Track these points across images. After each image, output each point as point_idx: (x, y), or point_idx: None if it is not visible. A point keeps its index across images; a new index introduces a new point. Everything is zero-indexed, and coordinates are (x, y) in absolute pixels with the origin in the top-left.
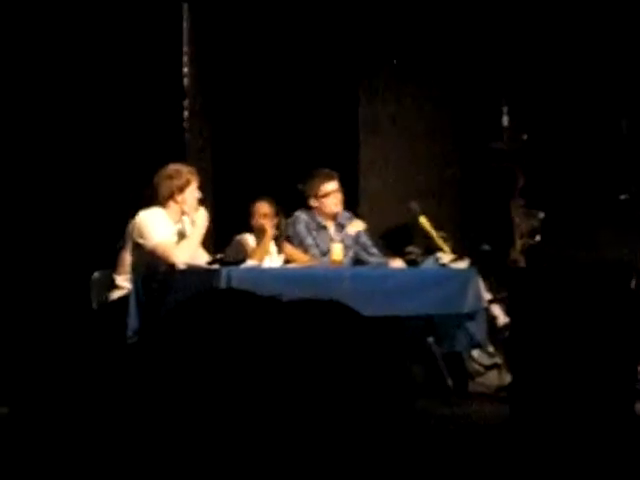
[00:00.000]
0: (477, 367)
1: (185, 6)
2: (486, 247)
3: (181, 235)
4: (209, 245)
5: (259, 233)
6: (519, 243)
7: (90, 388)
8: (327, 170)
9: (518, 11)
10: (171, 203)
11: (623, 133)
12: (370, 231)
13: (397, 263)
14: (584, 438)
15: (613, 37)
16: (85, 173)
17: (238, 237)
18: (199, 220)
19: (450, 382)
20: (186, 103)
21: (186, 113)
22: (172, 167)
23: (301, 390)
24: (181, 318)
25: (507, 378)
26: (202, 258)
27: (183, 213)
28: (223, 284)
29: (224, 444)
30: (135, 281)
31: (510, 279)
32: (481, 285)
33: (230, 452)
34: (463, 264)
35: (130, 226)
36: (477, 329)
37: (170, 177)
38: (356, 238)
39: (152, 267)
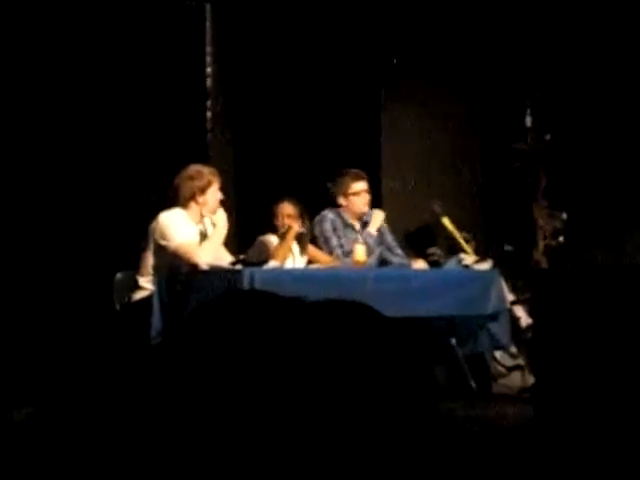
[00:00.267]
0: (500, 368)
1: (208, 7)
2: (509, 248)
3: (203, 236)
4: (232, 246)
5: (283, 234)
6: (542, 244)
7: (113, 389)
8: (357, 170)
9: (542, 12)
10: (192, 204)
11: None
12: (393, 232)
13: (420, 264)
14: (607, 439)
15: (637, 38)
16: (108, 174)
17: (261, 238)
18: (219, 221)
19: (473, 384)
20: (208, 104)
21: (208, 114)
22: (193, 168)
23: (326, 391)
24: (205, 319)
25: (530, 379)
26: (225, 259)
27: (203, 215)
28: (246, 285)
29: (249, 446)
30: (158, 282)
31: (533, 280)
32: (504, 286)
33: (255, 454)
34: (486, 265)
35: (152, 227)
36: (500, 330)
37: (191, 178)
38: (380, 238)
39: (174, 268)
